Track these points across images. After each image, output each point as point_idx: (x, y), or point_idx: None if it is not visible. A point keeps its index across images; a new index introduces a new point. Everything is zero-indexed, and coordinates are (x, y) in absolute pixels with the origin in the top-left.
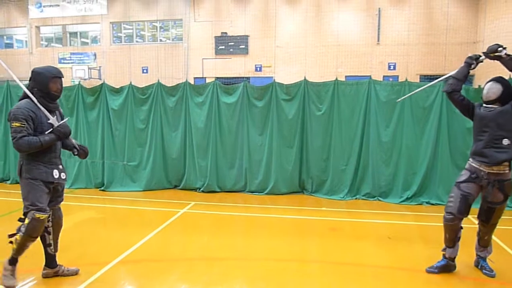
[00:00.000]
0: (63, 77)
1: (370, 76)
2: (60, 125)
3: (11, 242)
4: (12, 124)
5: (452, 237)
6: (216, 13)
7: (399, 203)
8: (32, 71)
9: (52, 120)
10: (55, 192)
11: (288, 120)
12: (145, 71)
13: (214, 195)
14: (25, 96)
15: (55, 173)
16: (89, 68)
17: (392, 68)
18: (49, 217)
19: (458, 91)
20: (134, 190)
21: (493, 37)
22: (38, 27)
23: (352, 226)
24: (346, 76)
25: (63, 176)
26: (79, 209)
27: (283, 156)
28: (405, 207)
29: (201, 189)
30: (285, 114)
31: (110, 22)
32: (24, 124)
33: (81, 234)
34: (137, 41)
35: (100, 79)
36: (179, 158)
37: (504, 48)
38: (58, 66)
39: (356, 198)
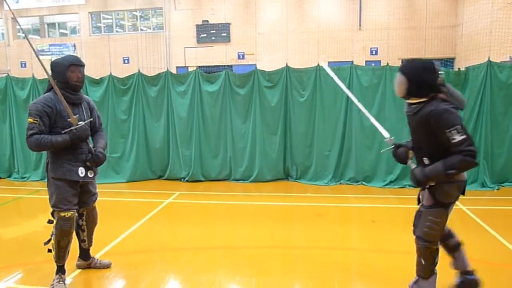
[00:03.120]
0: (83, 65)
1: (352, 61)
2: (77, 128)
3: (49, 250)
4: (27, 120)
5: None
6: (197, 1)
7: (383, 186)
8: (51, 63)
9: (72, 119)
10: (86, 193)
11: (271, 107)
12: (126, 61)
13: (199, 184)
14: (49, 89)
15: (81, 171)
16: None
17: (374, 53)
18: (83, 216)
19: None
20: (117, 182)
21: (472, 20)
22: (14, 19)
23: (337, 211)
24: (329, 62)
25: (90, 174)
26: None
27: (267, 144)
28: (389, 191)
29: (186, 179)
30: (268, 101)
31: (89, 12)
32: (36, 121)
33: None
34: (117, 31)
35: None
36: (163, 148)
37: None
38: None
39: (340, 183)
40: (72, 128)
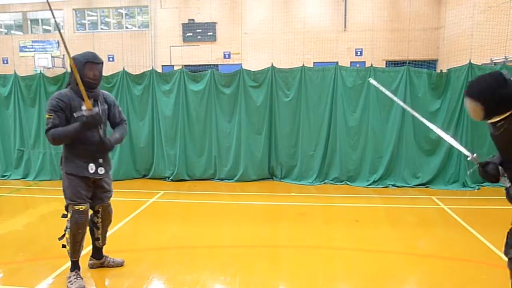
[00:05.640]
0: (101, 62)
1: (337, 62)
2: (87, 115)
3: (63, 246)
4: (45, 116)
5: None
6: None
7: (367, 186)
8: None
9: (86, 103)
10: (100, 188)
11: (256, 107)
12: (111, 59)
13: (183, 183)
14: (67, 85)
15: (91, 167)
16: (52, 57)
17: (359, 54)
18: (98, 213)
19: None
20: None
21: (454, 22)
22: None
23: (321, 210)
24: (314, 63)
25: (101, 171)
26: (44, 202)
27: (252, 143)
28: (372, 190)
29: (170, 178)
30: (253, 101)
31: (73, 9)
32: (51, 115)
33: (47, 227)
34: (102, 29)
35: (64, 67)
36: (147, 147)
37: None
38: (19, 54)
39: (324, 183)
40: (82, 114)
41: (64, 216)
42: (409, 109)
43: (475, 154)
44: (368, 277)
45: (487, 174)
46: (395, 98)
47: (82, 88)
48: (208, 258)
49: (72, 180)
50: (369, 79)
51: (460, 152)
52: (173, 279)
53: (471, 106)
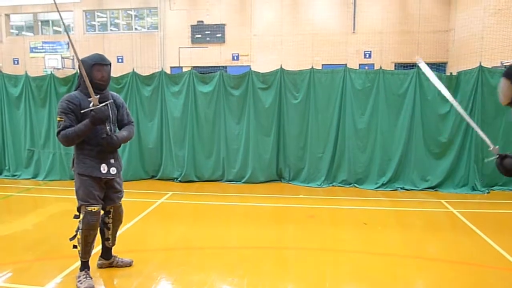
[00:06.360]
0: (108, 64)
1: (346, 64)
2: (94, 109)
3: (75, 246)
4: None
5: None
6: (192, 1)
7: (375, 189)
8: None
9: (93, 99)
10: (111, 188)
11: (265, 109)
12: (120, 60)
13: (192, 184)
14: (77, 87)
15: (103, 167)
16: (62, 58)
17: (367, 56)
18: (109, 214)
19: None
20: None
21: (464, 25)
22: (7, 15)
23: (329, 213)
24: (323, 65)
25: (113, 171)
26: (54, 201)
27: (260, 145)
28: (381, 193)
29: (179, 179)
30: (262, 102)
31: (83, 10)
32: (62, 118)
33: (56, 227)
34: (111, 30)
35: (73, 68)
36: (156, 148)
37: None
38: (30, 55)
39: (333, 185)
40: (90, 108)
41: (76, 217)
42: (458, 106)
43: (497, 146)
44: (375, 280)
45: (503, 167)
46: (445, 92)
47: (88, 84)
48: (216, 259)
49: (85, 181)
50: (418, 60)
51: (469, 155)
52: (181, 280)
53: (504, 86)
